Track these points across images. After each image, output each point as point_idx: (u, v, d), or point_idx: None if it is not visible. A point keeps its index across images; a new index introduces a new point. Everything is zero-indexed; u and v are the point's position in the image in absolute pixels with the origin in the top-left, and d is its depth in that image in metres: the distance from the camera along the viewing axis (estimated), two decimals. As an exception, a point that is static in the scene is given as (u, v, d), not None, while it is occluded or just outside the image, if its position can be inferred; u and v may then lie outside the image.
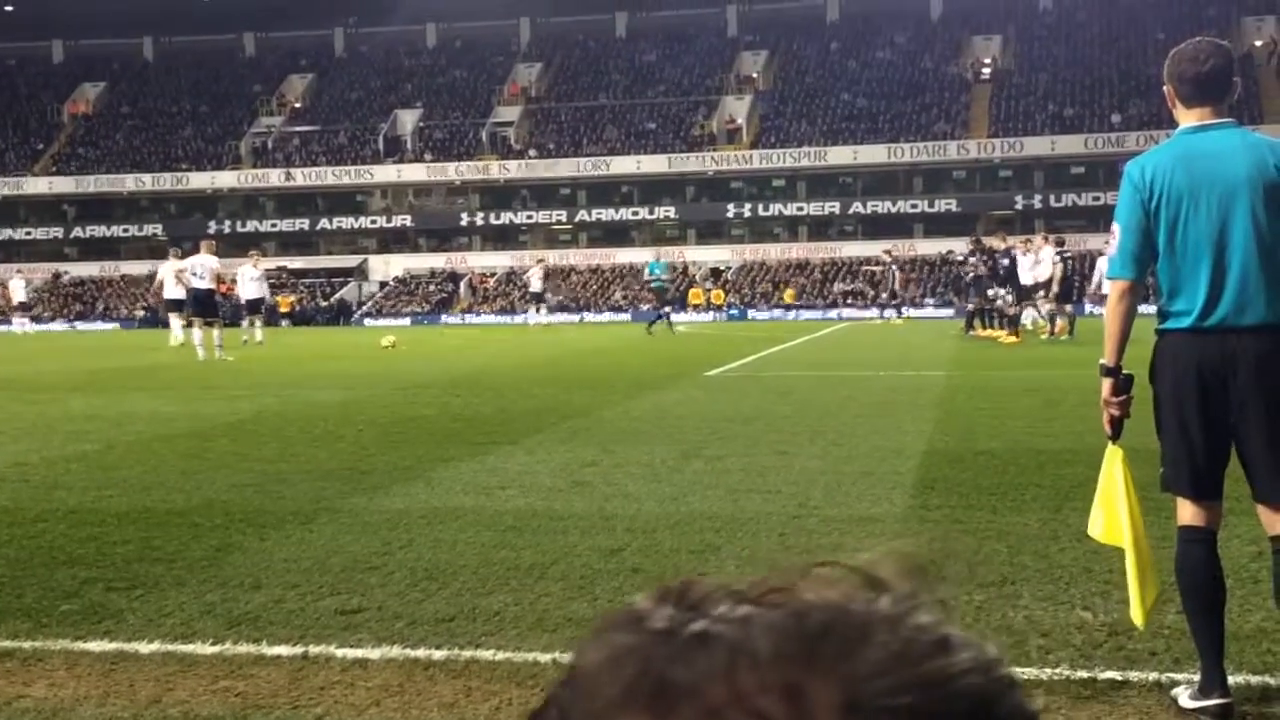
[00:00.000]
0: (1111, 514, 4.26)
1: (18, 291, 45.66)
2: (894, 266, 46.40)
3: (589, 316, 56.24)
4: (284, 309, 58.38)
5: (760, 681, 0.50)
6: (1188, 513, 4.20)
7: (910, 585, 0.55)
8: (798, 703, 0.50)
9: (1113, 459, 4.29)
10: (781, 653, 0.51)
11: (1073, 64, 63.05)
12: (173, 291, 28.29)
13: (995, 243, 28.93)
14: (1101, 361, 4.26)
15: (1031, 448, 9.68)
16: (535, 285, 44.34)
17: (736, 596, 0.55)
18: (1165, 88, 4.25)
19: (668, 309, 37.39)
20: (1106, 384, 4.24)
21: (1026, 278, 27.15)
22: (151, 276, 59.03)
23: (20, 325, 44.71)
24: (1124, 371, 4.23)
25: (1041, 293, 27.34)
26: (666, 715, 0.51)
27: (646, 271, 38.78)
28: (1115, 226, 4.21)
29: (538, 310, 44.84)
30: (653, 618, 0.55)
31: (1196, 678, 4.12)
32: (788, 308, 55.06)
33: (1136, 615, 4.20)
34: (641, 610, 0.56)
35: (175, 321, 29.44)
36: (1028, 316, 28.83)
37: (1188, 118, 4.20)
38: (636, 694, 0.52)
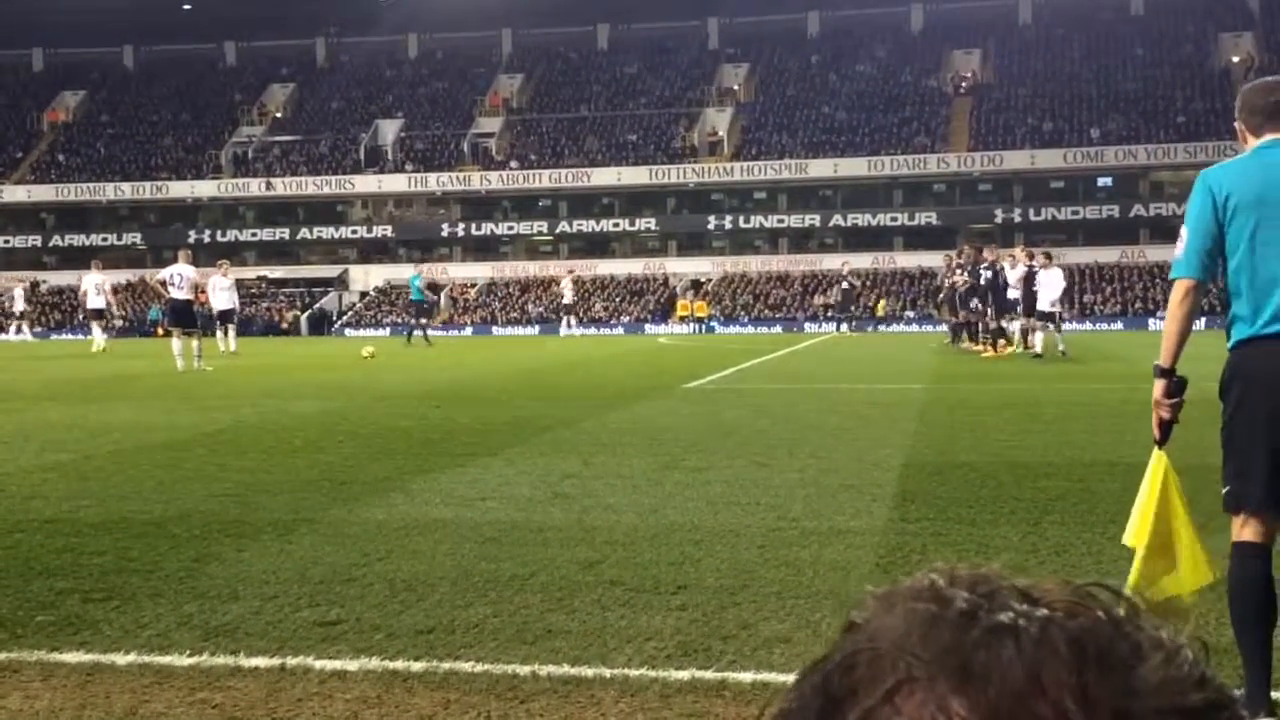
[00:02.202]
0: (1143, 518, 4.17)
1: (19, 300, 46.92)
2: (850, 279, 46.13)
3: (566, 330, 56.17)
4: (288, 322, 58.55)
5: (1058, 678, 0.58)
6: (1250, 529, 4.13)
7: (1176, 624, 0.63)
8: (1084, 703, 0.57)
9: (1157, 466, 4.20)
10: (1078, 657, 0.59)
11: (1052, 79, 63.34)
12: (93, 301, 33.63)
13: (988, 255, 29.00)
14: (1156, 362, 4.22)
15: (1010, 461, 9.71)
16: (568, 297, 44.72)
17: (1027, 598, 0.62)
18: (1236, 124, 4.31)
19: (425, 321, 38.91)
20: (1159, 385, 4.19)
21: (1012, 292, 27.21)
22: (131, 286, 59.57)
23: (18, 334, 45.52)
24: (1178, 374, 4.18)
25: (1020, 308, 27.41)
26: (971, 690, 0.58)
27: (410, 285, 39.39)
28: (1184, 230, 4.21)
29: (569, 323, 45.06)
30: (953, 597, 0.62)
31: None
32: (816, 317, 54.74)
33: (1186, 585, 4.08)
34: (939, 587, 0.63)
35: (95, 328, 34.24)
36: (1016, 329, 28.90)
37: (1256, 144, 4.24)
38: (944, 665, 0.59)
